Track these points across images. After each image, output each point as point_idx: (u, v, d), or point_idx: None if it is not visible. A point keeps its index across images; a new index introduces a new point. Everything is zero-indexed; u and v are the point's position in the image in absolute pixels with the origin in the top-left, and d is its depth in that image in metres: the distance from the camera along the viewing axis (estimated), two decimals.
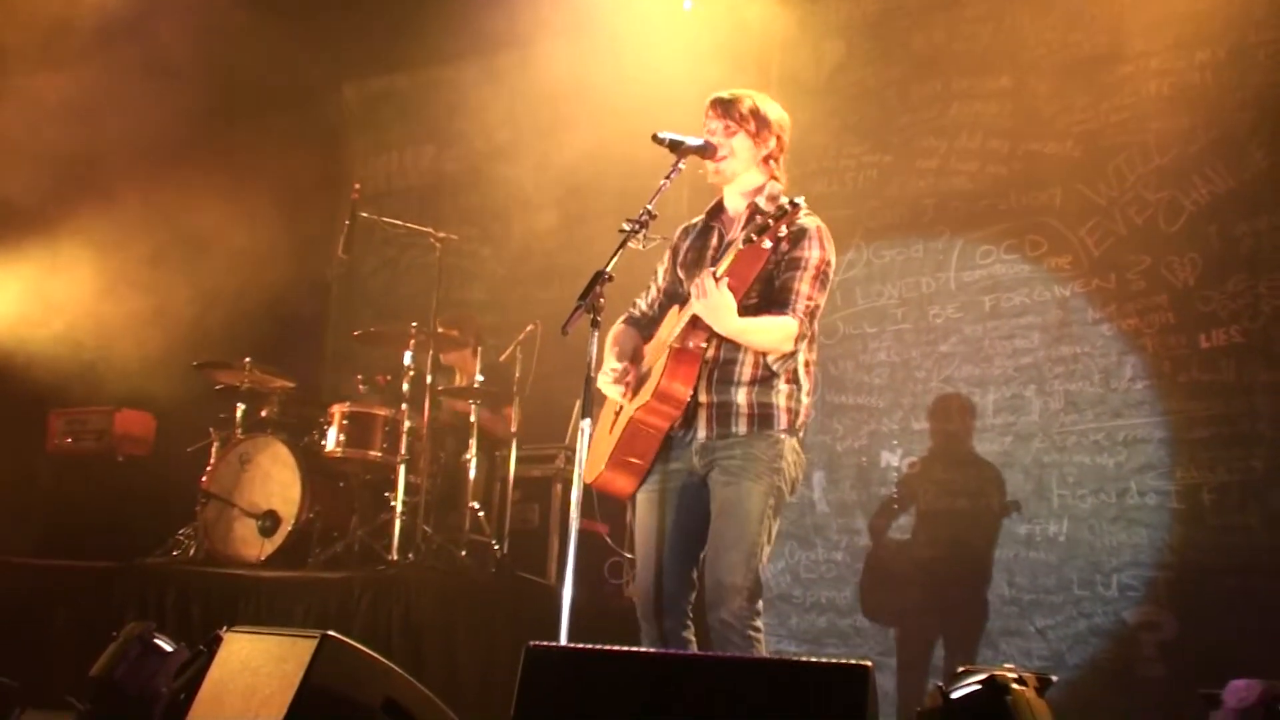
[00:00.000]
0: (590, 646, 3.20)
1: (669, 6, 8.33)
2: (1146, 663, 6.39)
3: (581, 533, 4.03)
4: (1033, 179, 7.13)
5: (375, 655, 3.64)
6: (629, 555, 7.07)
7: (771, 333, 4.08)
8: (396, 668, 3.65)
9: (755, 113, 4.31)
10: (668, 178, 4.13)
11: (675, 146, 4.18)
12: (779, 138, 4.36)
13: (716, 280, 3.84)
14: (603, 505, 7.09)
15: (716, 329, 3.98)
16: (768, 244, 3.83)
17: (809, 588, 7.35)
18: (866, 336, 7.51)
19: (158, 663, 4.51)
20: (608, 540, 6.96)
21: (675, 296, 4.45)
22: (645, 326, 4.54)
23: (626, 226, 4.00)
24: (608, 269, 3.94)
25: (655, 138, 4.17)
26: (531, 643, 3.15)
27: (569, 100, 8.49)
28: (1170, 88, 6.79)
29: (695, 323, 4.10)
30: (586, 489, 4.22)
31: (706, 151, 4.24)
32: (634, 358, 4.41)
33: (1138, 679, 6.37)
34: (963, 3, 7.42)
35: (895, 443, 7.31)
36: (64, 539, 7.74)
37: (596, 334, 3.96)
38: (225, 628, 4.14)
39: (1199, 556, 6.36)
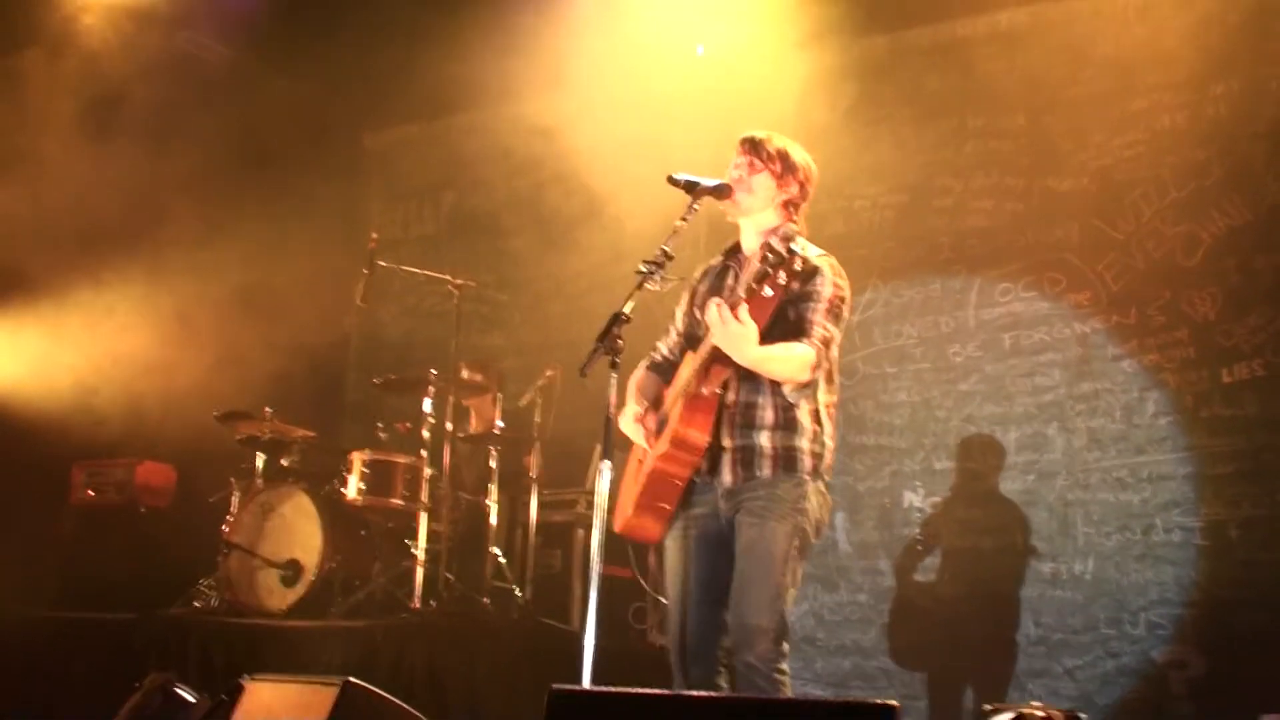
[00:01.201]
0: (614, 689, 3.18)
1: (683, 53, 8.37)
2: (1176, 701, 6.34)
3: (605, 577, 4.01)
4: (1049, 215, 7.14)
5: (397, 702, 3.63)
6: (655, 599, 7.05)
7: (789, 361, 4.05)
8: (418, 714, 3.63)
9: (783, 155, 4.32)
10: (684, 219, 4.13)
11: (691, 188, 4.18)
12: (803, 185, 4.36)
13: (734, 310, 3.83)
14: (623, 549, 7.16)
15: (735, 358, 3.96)
16: (768, 291, 3.81)
17: (833, 630, 7.30)
18: (886, 376, 7.50)
19: (180, 714, 4.49)
20: (642, 583, 6.89)
21: (693, 338, 4.45)
22: (667, 371, 4.53)
23: (644, 268, 4.00)
24: (625, 310, 3.94)
25: (671, 179, 4.18)
26: (555, 686, 3.12)
27: (586, 147, 8.50)
28: (1185, 121, 6.81)
29: (709, 366, 4.10)
30: (609, 532, 4.20)
31: (722, 193, 4.25)
32: (655, 403, 4.41)
33: (1167, 717, 6.31)
34: (974, 42, 7.44)
35: (917, 483, 7.28)
36: (85, 592, 7.71)
37: (615, 376, 3.95)
38: (247, 676, 4.13)
39: (1226, 593, 6.32)
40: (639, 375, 4.56)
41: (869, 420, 7.48)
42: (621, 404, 4.30)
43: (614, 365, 3.93)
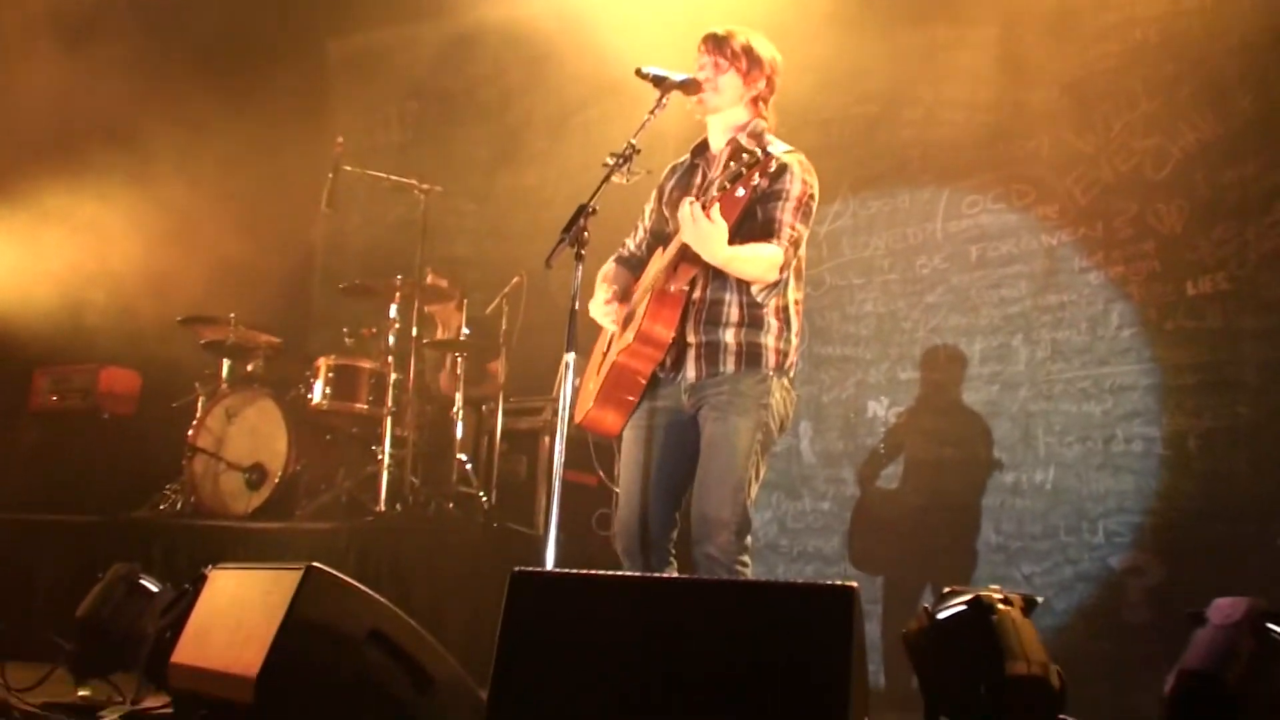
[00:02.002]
0: (576, 571, 3.20)
1: None
2: (1132, 608, 6.40)
3: (570, 484, 4.03)
4: (1019, 128, 7.11)
5: (362, 587, 3.63)
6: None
7: (758, 261, 4.04)
8: (383, 599, 3.64)
9: (747, 50, 4.28)
10: (652, 113, 4.11)
11: (659, 82, 4.15)
12: (769, 78, 4.34)
13: (706, 208, 3.80)
14: (597, 457, 7.17)
15: (705, 257, 3.94)
16: (740, 192, 3.79)
17: (796, 537, 7.36)
18: (853, 288, 7.50)
19: (144, 602, 4.50)
20: (609, 484, 6.91)
21: (661, 236, 4.43)
22: (635, 266, 4.53)
23: (610, 160, 3.98)
24: (591, 202, 3.92)
25: (639, 72, 4.15)
26: (517, 568, 3.13)
27: (553, 56, 8.42)
28: (1157, 34, 6.76)
29: (677, 263, 4.08)
30: (573, 441, 4.19)
31: (691, 88, 4.21)
32: (624, 295, 4.40)
33: (1124, 624, 6.39)
34: None
35: (882, 393, 7.30)
36: (49, 497, 7.69)
37: (580, 268, 3.94)
38: (210, 566, 4.13)
39: (1185, 503, 6.37)
40: (607, 267, 4.55)
41: (835, 331, 7.49)
42: (587, 296, 4.28)
43: (579, 257, 3.92)
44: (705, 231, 3.85)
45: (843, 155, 7.52)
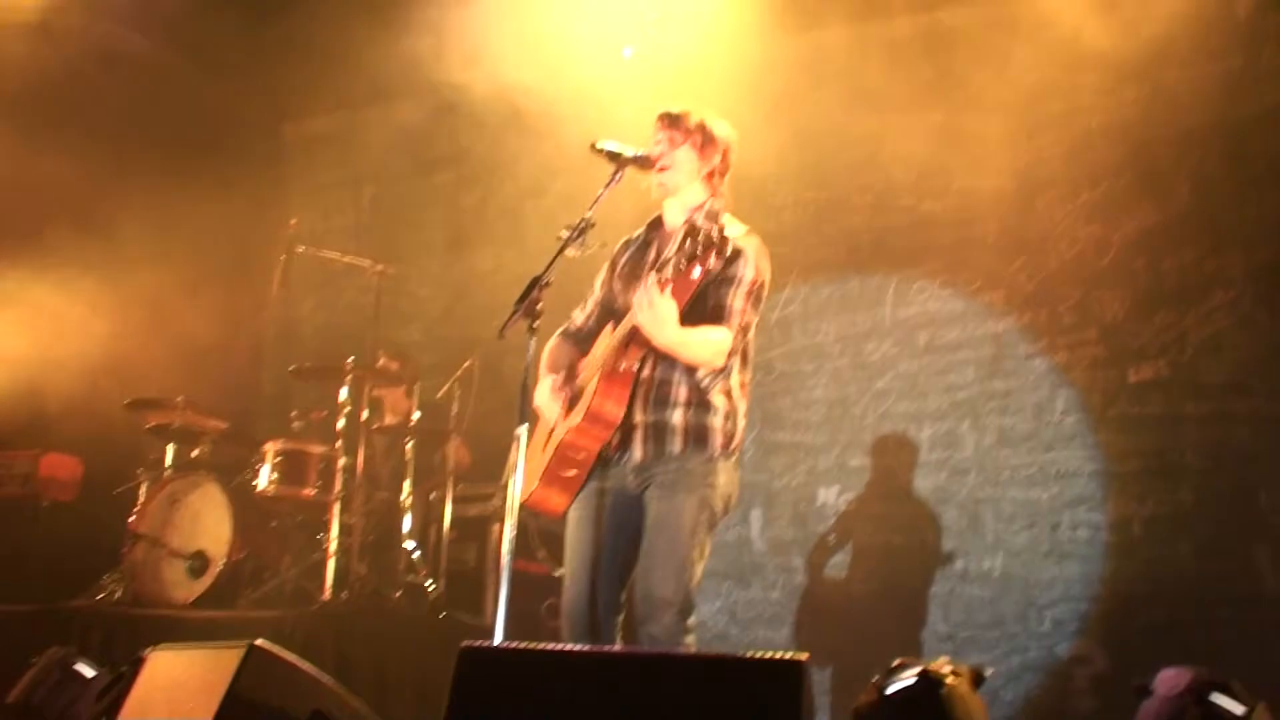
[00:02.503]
0: (525, 646, 3.16)
1: (610, 52, 8.37)
2: (1079, 696, 6.43)
3: (519, 574, 3.99)
4: (966, 215, 7.24)
5: (305, 666, 3.57)
6: None
7: (707, 346, 4.06)
8: (326, 679, 3.58)
9: (702, 127, 4.32)
10: (606, 187, 4.14)
11: (615, 157, 4.18)
12: (724, 155, 4.37)
13: (661, 288, 3.82)
14: (538, 545, 7.13)
15: (656, 340, 3.94)
16: (696, 273, 3.80)
17: (746, 627, 7.31)
18: (804, 374, 7.55)
19: (78, 688, 4.40)
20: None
21: (612, 310, 4.44)
22: (582, 340, 4.52)
23: (565, 233, 4.00)
24: (545, 275, 3.93)
25: (594, 147, 4.17)
26: (465, 643, 3.10)
27: (508, 140, 8.50)
28: (1099, 125, 6.94)
29: (628, 341, 4.09)
30: (524, 529, 4.16)
31: (645, 163, 4.24)
32: (569, 374, 4.39)
33: (1070, 713, 6.40)
34: (898, 43, 7.51)
35: (832, 480, 7.33)
36: None
37: (534, 340, 3.94)
38: (149, 649, 4.05)
39: (1130, 589, 6.43)
40: (553, 343, 4.54)
41: (785, 417, 7.52)
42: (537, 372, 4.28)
43: (532, 330, 3.92)
44: (660, 314, 3.86)
45: (793, 242, 7.60)
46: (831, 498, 7.29)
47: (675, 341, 3.97)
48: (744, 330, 4.17)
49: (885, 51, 7.53)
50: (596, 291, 4.55)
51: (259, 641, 3.49)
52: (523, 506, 4.26)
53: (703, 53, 7.69)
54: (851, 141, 7.63)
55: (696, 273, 3.79)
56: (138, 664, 4.02)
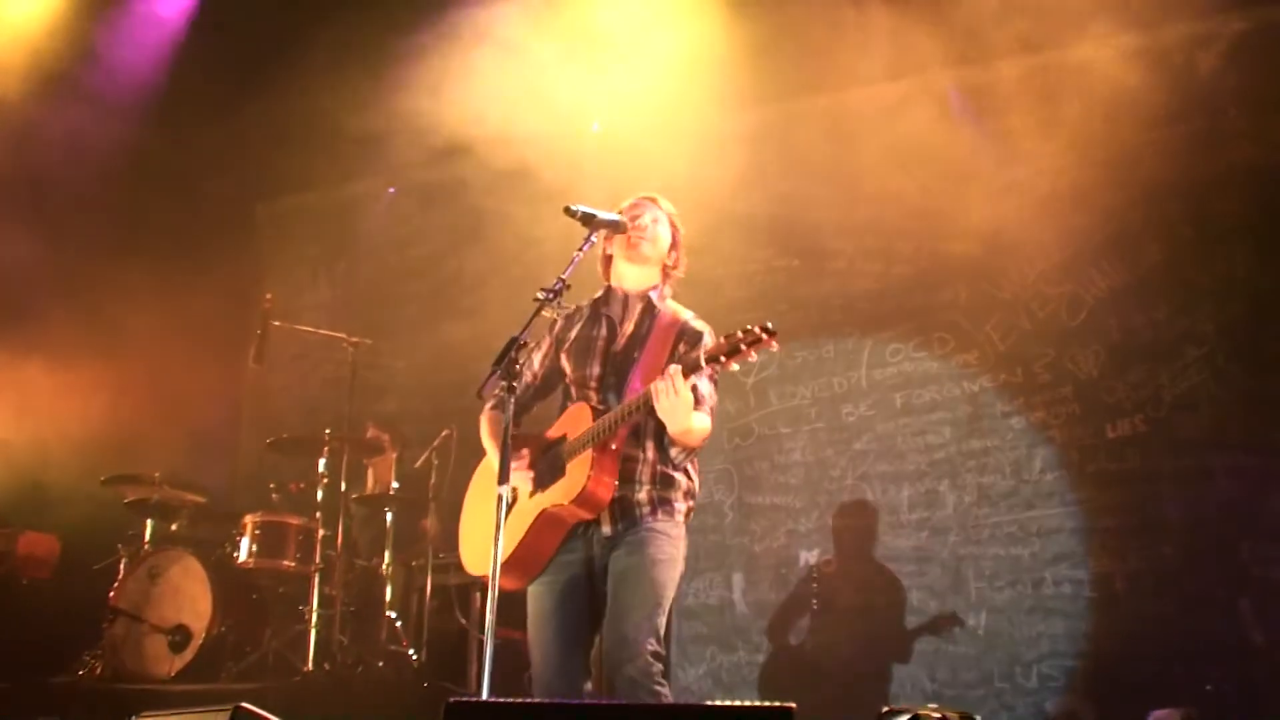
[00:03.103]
0: (511, 700, 3.16)
1: (580, 125, 8.48)
2: None
3: (502, 640, 3.97)
4: (937, 277, 7.33)
5: None
6: None
7: (701, 433, 4.17)
8: None
9: (674, 228, 4.48)
10: (580, 250, 4.17)
11: (588, 220, 4.22)
12: (679, 259, 4.48)
13: (685, 377, 3.87)
14: (521, 613, 7.08)
15: (671, 427, 4.01)
16: (735, 367, 3.84)
17: (731, 691, 7.27)
18: (781, 437, 7.59)
19: None
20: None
21: (551, 384, 4.51)
22: (517, 414, 4.45)
23: (541, 295, 4.02)
24: (523, 335, 3.96)
25: (568, 210, 4.20)
26: (452, 698, 3.09)
27: (479, 214, 8.57)
28: (1067, 187, 7.04)
29: (624, 425, 4.11)
30: (506, 598, 4.13)
31: (618, 228, 4.30)
32: (528, 446, 4.37)
33: None
34: (864, 111, 7.61)
35: (813, 542, 7.34)
36: None
37: (513, 400, 3.94)
38: (135, 717, 4.01)
39: (1115, 645, 6.45)
40: (489, 415, 4.52)
41: (764, 480, 7.55)
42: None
43: (510, 390, 3.93)
44: (684, 404, 3.91)
45: (767, 308, 7.65)
46: (813, 559, 7.30)
47: (685, 429, 4.04)
48: (712, 412, 4.26)
49: (851, 121, 7.63)
50: (535, 365, 4.53)
51: (244, 704, 3.47)
52: (504, 593, 4.23)
53: (670, 127, 7.78)
54: (821, 207, 7.71)
55: (736, 367, 3.85)
56: None
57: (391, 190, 9.37)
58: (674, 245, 4.46)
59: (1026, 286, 7.07)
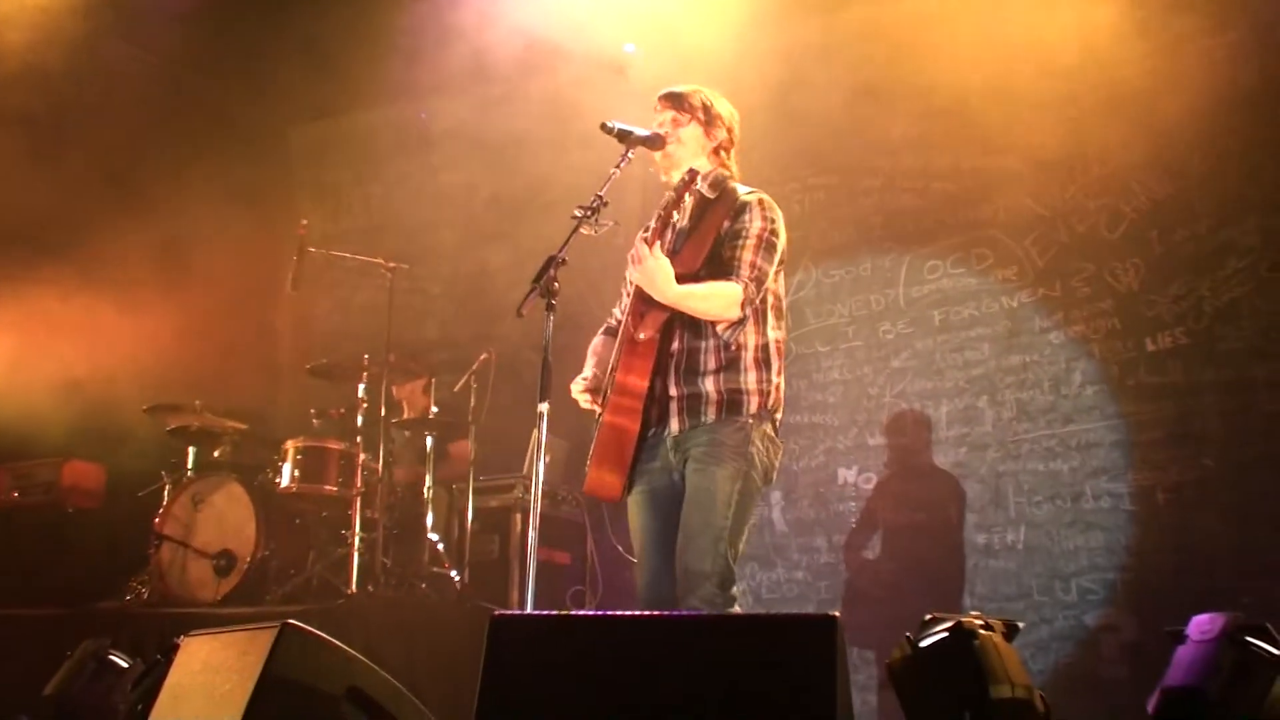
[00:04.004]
0: (556, 613, 3.19)
1: (614, 46, 8.40)
2: (1109, 664, 6.42)
3: (543, 562, 4.00)
4: (976, 193, 7.25)
5: (339, 644, 3.59)
6: (593, 583, 7.07)
7: (715, 298, 4.09)
8: (361, 656, 3.60)
9: (706, 106, 4.38)
10: (617, 167, 4.16)
11: (624, 136, 4.20)
12: (730, 130, 4.41)
13: (650, 245, 3.86)
14: (565, 534, 7.16)
15: (655, 297, 3.99)
16: (676, 218, 4.01)
17: (771, 608, 7.33)
18: (819, 355, 7.57)
19: (114, 678, 4.44)
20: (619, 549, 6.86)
21: None
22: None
23: (578, 213, 4.02)
24: (560, 253, 3.96)
25: (604, 127, 4.19)
26: (497, 611, 3.12)
27: (516, 140, 8.53)
28: (1106, 98, 6.92)
29: (640, 311, 4.11)
30: (545, 519, 4.17)
31: (654, 142, 4.27)
32: (604, 366, 4.41)
33: (1101, 681, 6.40)
34: (900, 26, 7.51)
35: (851, 459, 7.34)
36: (14, 592, 7.55)
37: (551, 317, 3.95)
38: (183, 636, 4.07)
39: (1156, 557, 6.42)
40: (596, 340, 4.56)
41: (802, 399, 7.53)
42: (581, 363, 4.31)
43: (550, 307, 3.95)
44: (650, 269, 3.92)
45: (804, 226, 7.62)
46: (852, 477, 7.31)
47: (677, 295, 4.02)
48: (757, 281, 4.17)
49: (889, 35, 7.54)
50: (628, 284, 4.54)
51: (291, 621, 3.51)
52: (584, 493, 4.29)
53: (704, 44, 7.68)
54: (858, 126, 7.64)
55: (676, 217, 3.96)
56: (172, 651, 4.05)
57: (424, 115, 9.34)
58: (710, 124, 4.38)
59: (1066, 200, 6.99)
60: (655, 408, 4.18)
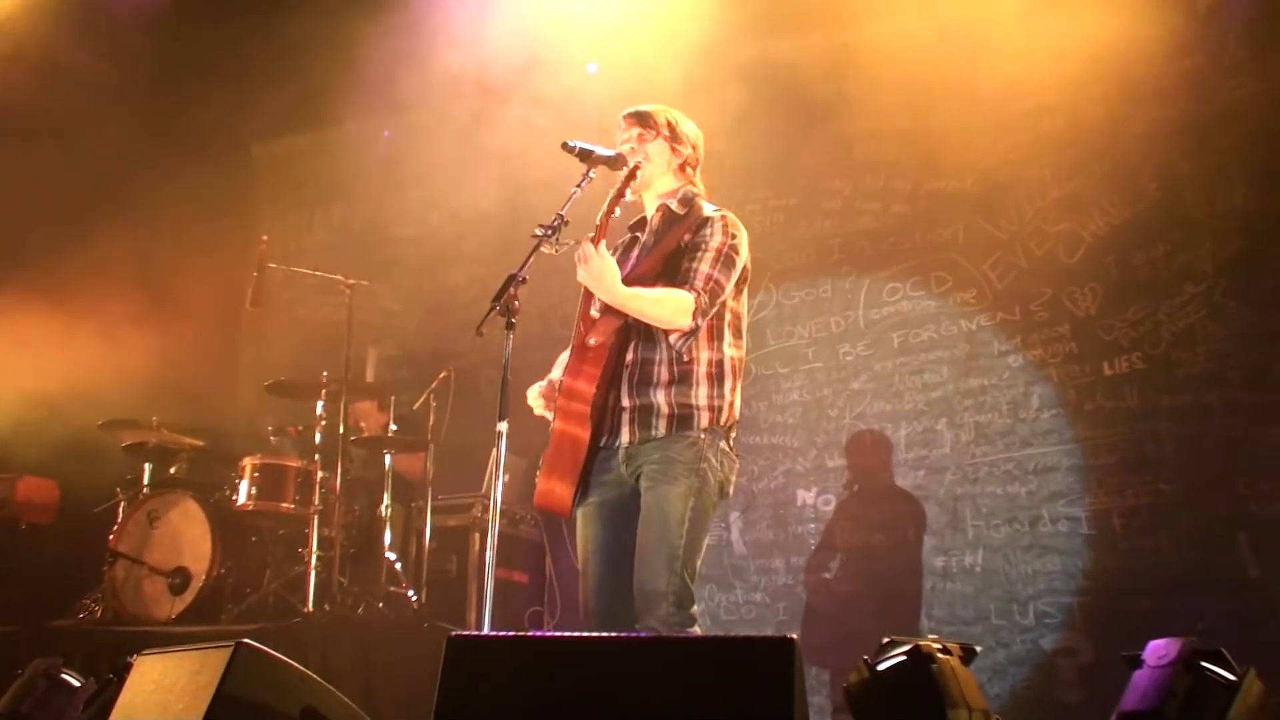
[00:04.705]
0: (512, 634, 3.17)
1: (576, 66, 8.41)
2: (1065, 688, 6.46)
3: (501, 581, 3.97)
4: (935, 216, 7.30)
5: (294, 664, 3.56)
6: (551, 603, 7.05)
7: (664, 304, 4.07)
8: (312, 674, 3.57)
9: (670, 124, 4.38)
10: (578, 186, 4.14)
11: (586, 156, 4.19)
12: (695, 146, 4.42)
13: (595, 243, 3.87)
14: (523, 553, 7.14)
15: (601, 296, 3.99)
16: (618, 213, 4.04)
17: (729, 630, 7.32)
18: (779, 377, 7.59)
19: (65, 698, 4.37)
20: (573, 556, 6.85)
21: None
22: None
23: (539, 231, 4.00)
24: (521, 272, 3.95)
25: (565, 146, 4.18)
26: (454, 632, 3.10)
27: (478, 157, 8.52)
28: (1065, 124, 7.00)
29: (591, 316, 4.10)
30: (504, 538, 4.14)
31: (616, 162, 4.25)
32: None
33: (1058, 705, 6.43)
34: (861, 49, 7.52)
35: (811, 481, 7.36)
36: None
37: (511, 336, 3.94)
38: (135, 655, 4.03)
39: (1113, 581, 6.46)
40: (562, 358, 4.54)
41: (762, 420, 7.55)
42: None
43: (510, 325, 3.93)
44: (595, 269, 3.93)
45: (764, 248, 7.59)
46: (811, 499, 7.32)
47: (624, 296, 4.01)
48: (712, 293, 4.14)
49: (847, 57, 7.54)
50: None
51: (246, 640, 3.47)
52: (535, 507, 4.27)
53: (665, 64, 7.70)
54: (817, 148, 7.70)
55: (618, 213, 4.04)
56: (125, 669, 4.00)
57: (386, 133, 9.33)
58: (674, 140, 4.38)
59: (1025, 224, 7.04)
60: (608, 419, 4.16)
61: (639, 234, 4.45)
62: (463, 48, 7.89)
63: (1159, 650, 2.98)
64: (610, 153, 4.26)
